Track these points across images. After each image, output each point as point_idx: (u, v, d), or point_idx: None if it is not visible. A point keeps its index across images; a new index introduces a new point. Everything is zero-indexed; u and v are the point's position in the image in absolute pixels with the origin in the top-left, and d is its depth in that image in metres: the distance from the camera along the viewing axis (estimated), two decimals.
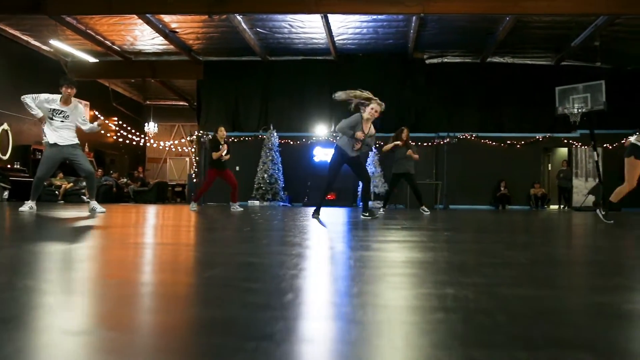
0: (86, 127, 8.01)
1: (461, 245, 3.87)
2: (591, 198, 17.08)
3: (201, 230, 5.13)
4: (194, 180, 20.11)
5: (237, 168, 19.75)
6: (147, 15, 15.09)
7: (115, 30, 16.83)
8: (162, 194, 19.89)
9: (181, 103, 25.17)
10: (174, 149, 25.54)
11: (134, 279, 2.07)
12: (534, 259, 2.91)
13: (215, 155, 10.87)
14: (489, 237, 4.72)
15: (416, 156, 10.72)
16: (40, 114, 7.50)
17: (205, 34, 17.19)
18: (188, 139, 23.32)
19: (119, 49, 18.55)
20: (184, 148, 25.18)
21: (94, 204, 7.90)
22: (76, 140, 7.81)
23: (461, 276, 2.13)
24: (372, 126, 7.31)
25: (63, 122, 7.62)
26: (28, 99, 7.51)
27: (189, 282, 2.05)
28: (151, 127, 23.38)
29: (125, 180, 19.47)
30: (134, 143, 23.28)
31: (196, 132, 20.12)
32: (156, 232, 4.71)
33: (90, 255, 2.79)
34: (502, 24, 15.28)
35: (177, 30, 16.74)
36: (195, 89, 20.82)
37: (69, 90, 7.59)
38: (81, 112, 7.92)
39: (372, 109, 7.08)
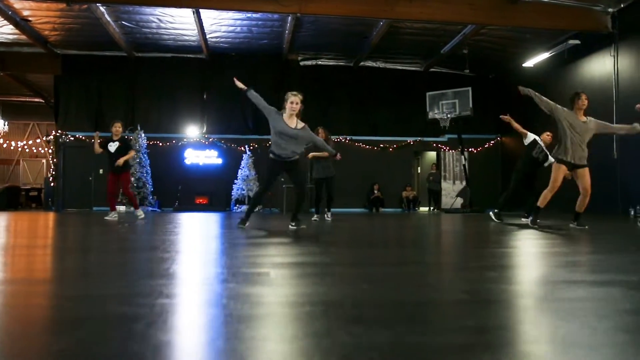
0: None
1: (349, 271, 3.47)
2: (459, 200, 17.71)
3: (62, 253, 4.30)
4: (52, 184, 18.38)
5: (101, 171, 18.37)
6: None
7: None
8: (14, 199, 17.95)
9: (37, 100, 22.95)
10: (27, 150, 23.26)
11: None
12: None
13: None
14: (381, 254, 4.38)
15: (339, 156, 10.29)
16: None
17: (63, 24, 15.68)
18: (44, 139, 21.31)
19: None
20: (40, 149, 23.03)
21: None
22: None
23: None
24: (298, 121, 6.69)
25: None
26: None
27: None
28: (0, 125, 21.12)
29: None
30: None
31: (53, 131, 18.39)
32: None
33: None
34: (377, 29, 15.39)
35: (30, 18, 15.11)
36: (53, 84, 19.02)
37: None
38: None
39: (291, 103, 6.52)
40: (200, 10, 14.16)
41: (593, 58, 14.34)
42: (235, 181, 18.07)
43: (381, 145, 19.31)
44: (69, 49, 17.89)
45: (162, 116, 18.80)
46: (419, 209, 19.27)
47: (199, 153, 18.73)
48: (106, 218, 9.63)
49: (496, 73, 19.27)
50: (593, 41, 14.01)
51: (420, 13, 13.05)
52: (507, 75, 18.59)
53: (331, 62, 19.29)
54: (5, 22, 14.89)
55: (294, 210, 6.97)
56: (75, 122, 18.38)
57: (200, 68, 18.65)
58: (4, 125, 21.42)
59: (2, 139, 21.57)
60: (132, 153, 9.85)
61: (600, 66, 14.04)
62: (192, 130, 18.75)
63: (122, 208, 17.17)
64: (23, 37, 16.23)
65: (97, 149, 9.77)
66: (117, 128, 9.80)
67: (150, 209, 17.49)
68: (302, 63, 19.11)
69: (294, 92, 6.60)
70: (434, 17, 13.27)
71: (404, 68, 19.62)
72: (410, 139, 19.38)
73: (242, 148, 18.37)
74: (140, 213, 10.20)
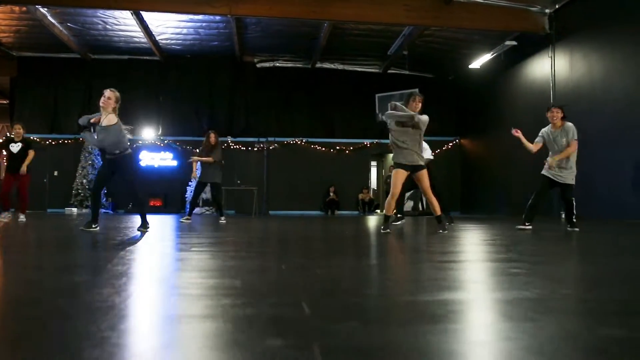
0: None
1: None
2: (410, 203, 17.58)
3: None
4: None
5: (56, 173, 18.43)
6: None
7: None
8: None
9: (2, 101, 23.02)
10: None
11: None
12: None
13: None
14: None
15: (208, 159, 10.28)
16: None
17: (9, 26, 15.75)
18: None
19: None
20: None
21: None
22: None
23: None
24: (108, 117, 6.51)
25: None
26: None
27: None
28: None
29: None
30: None
31: (7, 133, 18.45)
32: None
33: None
34: (322, 30, 15.31)
35: None
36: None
37: None
38: None
39: (103, 96, 6.35)
40: (141, 12, 14.17)
41: (532, 59, 14.22)
42: (190, 183, 18.03)
43: (338, 148, 19.22)
44: (23, 51, 17.96)
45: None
46: (379, 211, 19.16)
47: (154, 155, 18.73)
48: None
49: (454, 74, 19.14)
50: (532, 42, 13.88)
51: (354, 14, 13.00)
52: (463, 76, 18.48)
53: (288, 64, 19.23)
54: None
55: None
56: (31, 123, 18.35)
57: (155, 70, 18.64)
58: None
59: None
60: (32, 154, 9.81)
61: (539, 67, 13.91)
62: (148, 132, 18.74)
63: (74, 210, 17.26)
64: None
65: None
66: (18, 130, 9.84)
67: (104, 210, 17.49)
68: (258, 65, 19.07)
69: (112, 89, 6.40)
70: (367, 19, 13.21)
71: (362, 70, 19.52)
72: (367, 141, 19.29)
73: (197, 150, 18.31)
74: (22, 217, 9.74)
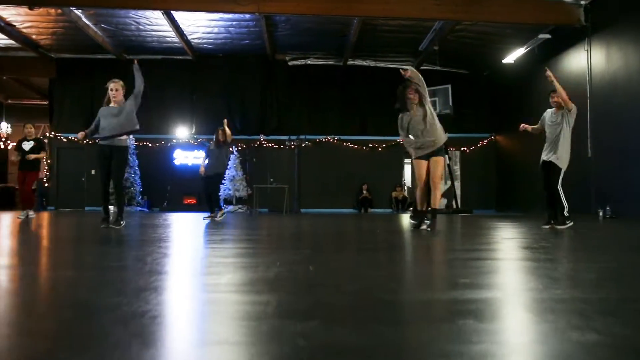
0: None
1: None
2: (444, 201, 17.33)
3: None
4: (46, 185, 18.92)
5: (93, 172, 18.79)
6: None
7: None
8: (10, 199, 18.52)
9: (45, 102, 23.62)
10: None
11: None
12: None
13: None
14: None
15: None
16: None
17: (47, 28, 16.12)
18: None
19: None
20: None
21: None
22: None
23: None
24: (124, 107, 6.66)
25: None
26: None
27: None
28: (3, 127, 21.79)
29: None
30: None
31: (47, 133, 18.93)
32: None
33: None
34: (352, 27, 15.20)
35: (14, 23, 15.57)
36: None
37: None
38: None
39: (110, 90, 6.58)
40: (171, 12, 14.32)
41: (567, 53, 13.83)
42: (223, 181, 18.16)
43: (370, 145, 19.09)
44: (61, 52, 18.36)
45: (152, 117, 18.98)
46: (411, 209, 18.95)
47: (188, 154, 18.93)
48: (20, 217, 9.64)
49: (488, 69, 18.79)
50: (567, 35, 13.50)
51: (382, 10, 12.85)
52: (497, 71, 18.14)
53: (320, 62, 19.17)
54: None
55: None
56: (69, 123, 18.80)
57: (189, 70, 18.83)
58: (7, 127, 22.09)
59: (9, 141, 22.21)
60: (43, 154, 10.02)
61: (575, 61, 13.52)
62: (182, 131, 18.96)
63: (110, 207, 17.56)
64: (14, 42, 16.75)
65: (13, 151, 10.06)
66: (29, 129, 10.09)
67: (139, 209, 17.79)
68: (290, 63, 19.06)
69: (114, 79, 6.64)
70: (396, 14, 13.05)
71: (394, 66, 19.30)
72: (400, 138, 19.03)
73: (230, 148, 18.42)
74: (31, 214, 9.88)
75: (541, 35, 13.83)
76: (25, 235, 5.74)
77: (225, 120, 10.57)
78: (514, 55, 15.68)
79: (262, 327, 1.52)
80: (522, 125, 7.26)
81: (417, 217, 6.52)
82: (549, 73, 7.04)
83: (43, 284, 2.44)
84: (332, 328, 1.49)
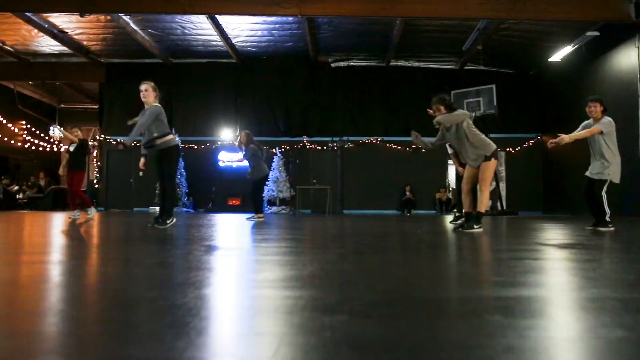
0: None
1: None
2: (488, 203, 17.10)
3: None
4: (96, 186, 19.51)
5: (140, 173, 19.23)
6: (27, 14, 14.44)
7: (0, 29, 16.11)
8: (61, 200, 19.17)
9: (96, 107, 24.36)
10: None
11: None
12: None
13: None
14: None
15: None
16: None
17: (97, 34, 16.65)
18: (90, 143, 22.58)
19: (11, 50, 17.81)
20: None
21: None
22: None
23: None
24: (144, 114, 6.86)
25: None
26: None
27: None
28: (55, 131, 22.53)
29: (17, 187, 18.70)
30: (48, 148, 22.55)
31: (97, 136, 19.52)
32: None
33: None
34: (394, 27, 15.17)
35: (67, 30, 16.13)
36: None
37: None
38: None
39: (140, 91, 6.80)
40: (215, 16, 14.58)
41: (617, 50, 13.46)
42: (267, 182, 18.38)
43: (414, 146, 18.94)
44: (111, 57, 18.91)
45: (197, 120, 19.43)
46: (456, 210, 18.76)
47: (233, 155, 19.20)
48: (70, 217, 9.93)
49: (534, 68, 18.44)
50: (616, 32, 13.15)
51: (424, 10, 12.78)
52: (543, 70, 17.79)
53: (363, 63, 19.19)
54: (43, 34, 15.99)
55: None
56: (118, 127, 19.34)
57: (233, 72, 19.12)
58: (60, 130, 22.83)
59: (62, 144, 23.02)
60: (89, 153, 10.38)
61: (625, 59, 13.15)
62: (226, 133, 19.26)
63: (157, 208, 18.01)
64: (67, 48, 17.36)
65: (64, 155, 10.38)
66: (76, 132, 10.40)
67: (185, 209, 18.16)
68: (333, 65, 19.15)
69: (144, 81, 6.80)
70: (438, 14, 12.97)
71: (438, 67, 19.19)
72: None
73: (274, 150, 18.64)
74: (77, 213, 10.01)
75: (589, 33, 13.50)
76: (75, 234, 5.96)
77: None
78: (560, 54, 15.37)
79: (293, 319, 1.58)
80: (551, 143, 6.80)
81: (459, 218, 6.53)
82: (556, 142, 6.64)
83: (90, 278, 2.56)
84: (358, 322, 1.54)
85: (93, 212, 10.05)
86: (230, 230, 6.65)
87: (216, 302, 1.91)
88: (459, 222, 8.75)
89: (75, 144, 10.26)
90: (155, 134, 6.60)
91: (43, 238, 5.35)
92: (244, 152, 10.73)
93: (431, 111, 6.48)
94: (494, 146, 6.33)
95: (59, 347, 1.31)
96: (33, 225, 7.98)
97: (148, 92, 6.74)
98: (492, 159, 6.23)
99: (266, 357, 1.20)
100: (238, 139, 10.70)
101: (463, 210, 6.52)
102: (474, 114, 15.71)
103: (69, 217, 9.96)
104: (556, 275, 2.71)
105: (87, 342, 1.35)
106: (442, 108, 6.36)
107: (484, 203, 6.32)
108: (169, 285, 2.21)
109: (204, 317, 1.62)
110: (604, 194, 6.65)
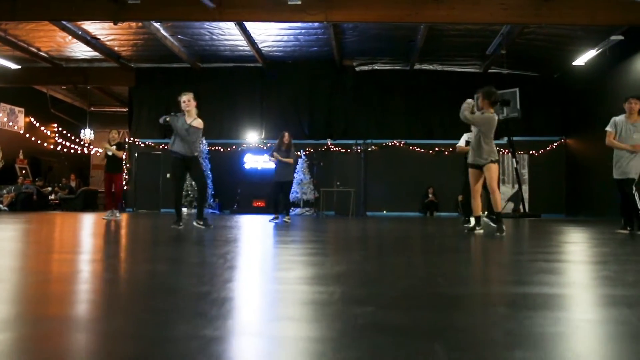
0: None
1: None
2: (510, 205, 17.21)
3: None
4: (125, 188, 20.02)
5: (168, 175, 19.73)
6: (63, 21, 14.97)
7: (36, 36, 16.68)
8: (91, 201, 19.75)
9: (124, 110, 24.99)
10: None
11: None
12: None
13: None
14: None
15: (289, 160, 10.90)
16: None
17: (128, 40, 17.14)
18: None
19: (46, 55, 18.41)
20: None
21: None
22: None
23: None
24: (196, 119, 7.22)
25: None
26: None
27: None
28: (87, 133, 23.21)
29: (49, 188, 19.33)
30: (79, 150, 23.23)
31: (126, 138, 20.04)
32: None
33: None
34: (419, 32, 15.37)
35: (99, 37, 16.65)
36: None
37: None
38: None
39: (182, 102, 7.09)
40: (244, 22, 14.94)
41: None
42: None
43: (437, 149, 19.14)
44: (140, 62, 19.40)
45: (223, 123, 19.81)
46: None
47: (258, 158, 19.56)
48: (104, 217, 10.35)
49: (558, 72, 18.48)
50: None
51: (447, 16, 12.95)
52: (568, 73, 17.82)
53: (387, 67, 19.40)
54: (76, 41, 16.54)
55: (197, 208, 7.40)
56: (146, 130, 19.87)
57: (258, 76, 19.47)
58: (91, 133, 23.50)
59: (93, 146, 23.73)
60: (120, 153, 10.75)
61: None
62: (252, 136, 19.63)
63: (184, 210, 18.46)
64: (98, 54, 17.92)
65: (103, 157, 10.81)
66: (114, 135, 10.84)
67: (211, 211, 18.56)
68: (357, 68, 19.39)
69: (184, 92, 7.08)
70: (462, 19, 13.13)
71: (462, 70, 19.32)
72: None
73: (298, 153, 18.93)
74: (111, 215, 10.35)
75: (613, 37, 13.54)
76: (112, 234, 6.32)
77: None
78: (584, 58, 15.42)
79: (327, 310, 1.85)
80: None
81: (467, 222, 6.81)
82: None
83: (128, 274, 2.87)
84: (384, 312, 1.81)
85: (118, 214, 10.52)
86: (257, 232, 6.95)
87: (256, 295, 2.19)
88: (470, 225, 8.92)
89: (113, 147, 10.66)
90: (196, 154, 6.96)
91: (92, 238, 5.70)
92: (288, 152, 10.95)
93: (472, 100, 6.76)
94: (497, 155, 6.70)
95: (121, 326, 1.61)
96: (74, 227, 8.38)
97: (190, 102, 7.08)
98: (496, 163, 6.56)
99: (310, 337, 1.48)
100: (283, 140, 10.96)
101: (473, 215, 6.80)
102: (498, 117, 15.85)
103: (103, 218, 10.35)
104: (567, 276, 2.94)
105: (146, 322, 1.64)
106: (485, 101, 6.69)
107: (499, 202, 6.55)
108: (215, 282, 2.50)
109: (248, 305, 1.90)
110: (635, 192, 6.80)
